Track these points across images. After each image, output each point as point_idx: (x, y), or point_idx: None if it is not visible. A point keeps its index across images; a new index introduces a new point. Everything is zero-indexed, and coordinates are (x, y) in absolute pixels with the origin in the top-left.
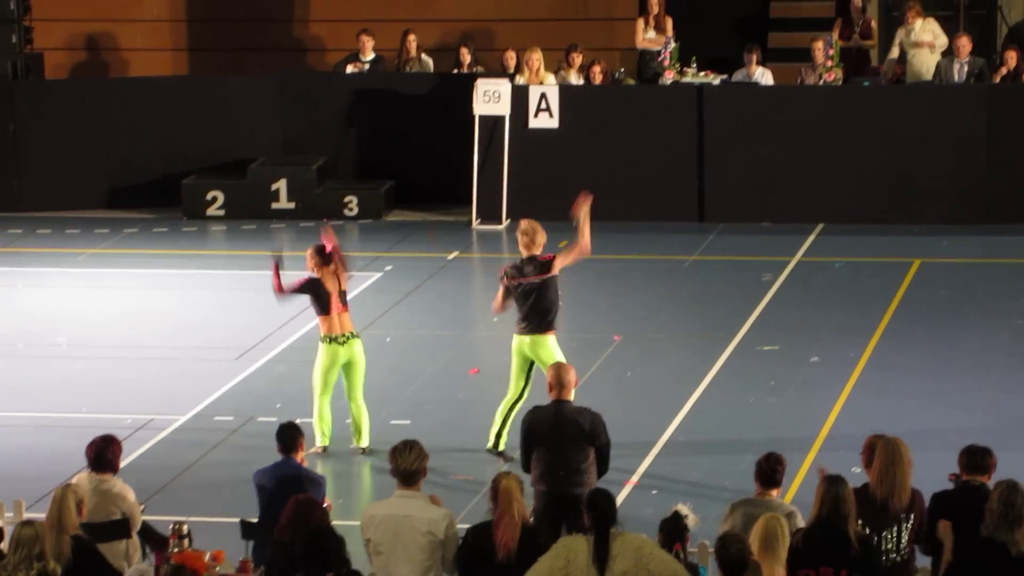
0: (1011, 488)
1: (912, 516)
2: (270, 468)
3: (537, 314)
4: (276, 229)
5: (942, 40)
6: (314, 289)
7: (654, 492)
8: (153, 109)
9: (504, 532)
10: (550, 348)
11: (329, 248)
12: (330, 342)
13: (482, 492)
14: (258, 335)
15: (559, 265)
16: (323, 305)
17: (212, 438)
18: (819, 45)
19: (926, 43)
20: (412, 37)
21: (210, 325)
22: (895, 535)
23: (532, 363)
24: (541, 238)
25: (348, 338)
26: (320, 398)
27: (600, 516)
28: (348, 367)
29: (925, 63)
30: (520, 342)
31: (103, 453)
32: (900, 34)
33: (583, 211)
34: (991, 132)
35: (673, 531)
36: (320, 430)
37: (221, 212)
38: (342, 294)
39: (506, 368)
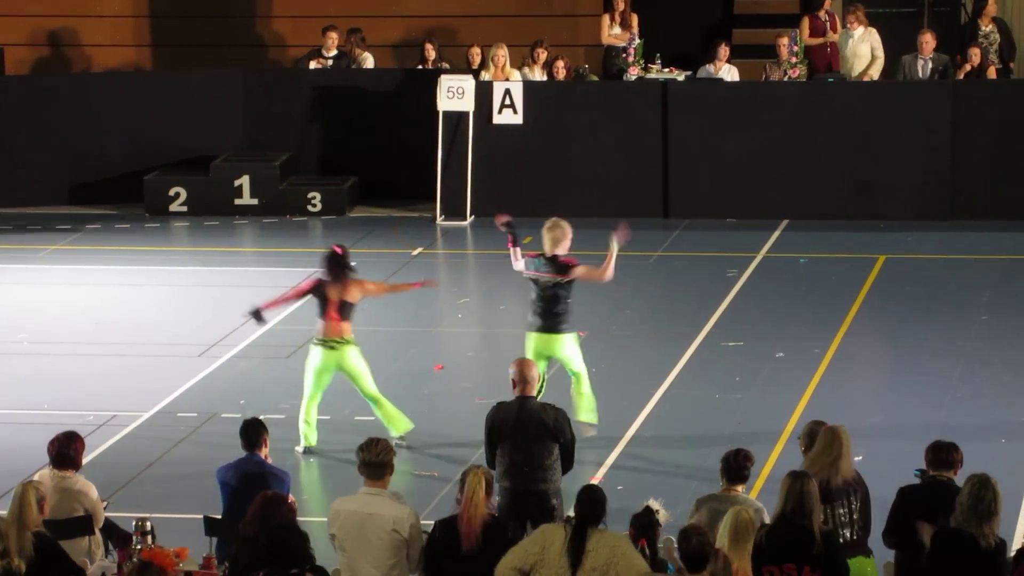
0: (982, 482)
1: (860, 495)
2: (233, 464)
3: (550, 315)
4: (239, 225)
5: (879, 54)
6: (317, 291)
7: (620, 488)
8: (115, 105)
9: (468, 522)
10: (567, 347)
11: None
12: (319, 344)
13: (447, 488)
14: (221, 331)
15: (577, 275)
16: (320, 309)
17: (175, 435)
18: (784, 41)
19: (864, 59)
20: (353, 36)
21: (173, 321)
22: (848, 512)
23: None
24: (566, 240)
25: (338, 344)
26: (307, 400)
27: (581, 510)
28: (348, 375)
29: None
30: (536, 339)
31: (65, 450)
32: (839, 38)
33: (618, 241)
34: (956, 129)
35: (645, 525)
36: (303, 432)
37: (184, 208)
38: (343, 305)
39: (471, 363)
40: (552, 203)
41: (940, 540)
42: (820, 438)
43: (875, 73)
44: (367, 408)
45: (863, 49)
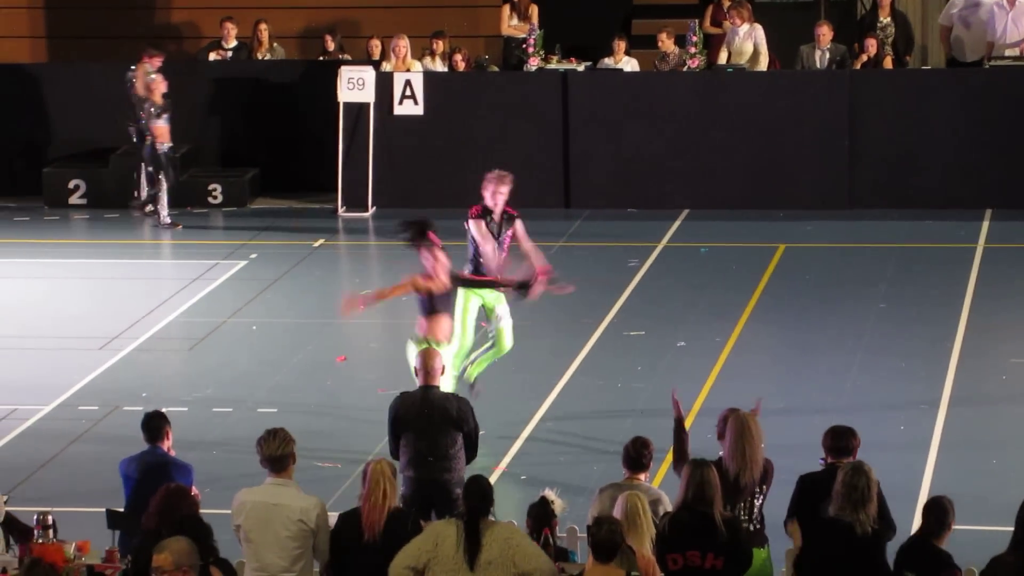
0: (856, 470)
1: (765, 486)
2: (136, 457)
3: None
4: (138, 218)
5: (763, 49)
6: None
7: (523, 477)
8: (13, 97)
9: (369, 513)
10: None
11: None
12: None
13: (350, 479)
14: (122, 324)
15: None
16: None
17: (77, 428)
18: (663, 36)
19: (747, 55)
20: (263, 26)
21: (73, 314)
22: (747, 507)
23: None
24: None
25: None
26: None
27: (471, 504)
28: None
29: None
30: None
31: None
32: (727, 33)
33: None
34: (853, 118)
35: (541, 516)
36: None
37: (83, 201)
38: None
39: (373, 354)
40: (453, 194)
41: (817, 529)
42: (730, 429)
43: (760, 69)
44: (271, 400)
45: (747, 46)
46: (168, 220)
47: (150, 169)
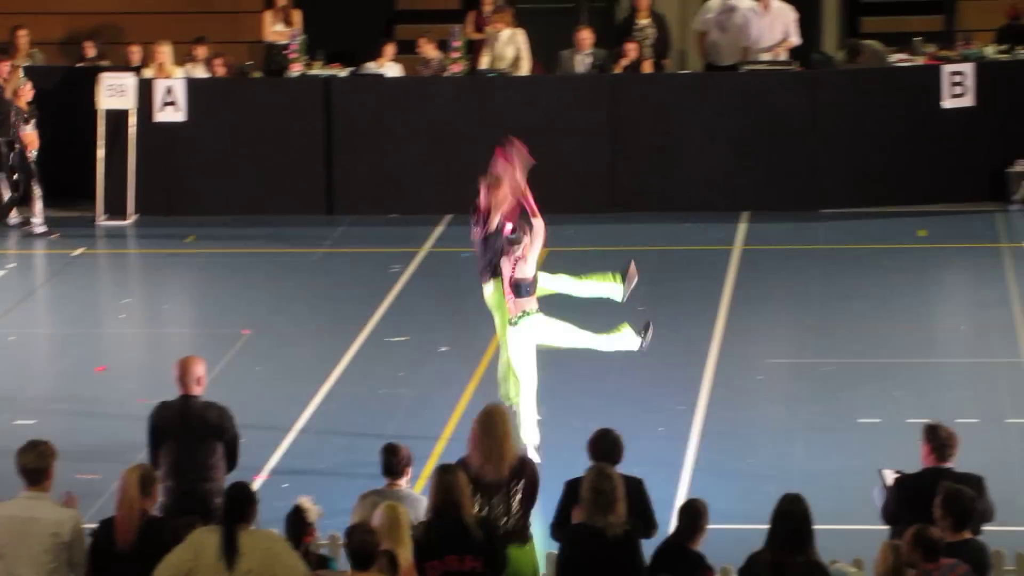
0: (599, 474)
1: (521, 483)
2: None
3: None
4: None
5: (525, 55)
6: None
7: (285, 486)
8: None
9: (121, 522)
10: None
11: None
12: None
13: (110, 491)
14: None
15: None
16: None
17: None
18: (424, 41)
19: (508, 60)
20: (21, 32)
21: None
22: (504, 503)
23: None
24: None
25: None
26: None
27: (230, 511)
28: None
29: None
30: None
31: None
32: (488, 38)
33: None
34: (614, 121)
35: (296, 525)
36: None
37: None
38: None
39: (133, 364)
40: (217, 200)
41: (569, 536)
42: (478, 423)
43: (522, 74)
44: (29, 411)
45: (509, 51)
46: (44, 228)
47: (17, 177)
